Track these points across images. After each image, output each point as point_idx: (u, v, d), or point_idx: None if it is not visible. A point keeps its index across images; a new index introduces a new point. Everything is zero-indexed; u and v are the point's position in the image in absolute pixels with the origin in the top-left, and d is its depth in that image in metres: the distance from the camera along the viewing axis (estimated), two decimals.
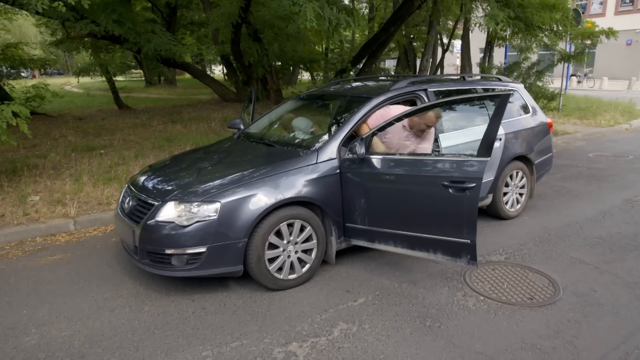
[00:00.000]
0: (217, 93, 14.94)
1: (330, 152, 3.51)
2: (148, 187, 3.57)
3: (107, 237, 4.55)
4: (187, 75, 36.17)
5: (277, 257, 3.31)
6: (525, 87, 5.42)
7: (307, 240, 3.42)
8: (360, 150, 3.39)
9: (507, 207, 4.84)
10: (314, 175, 3.39)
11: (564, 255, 3.99)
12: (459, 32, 20.50)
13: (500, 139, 4.57)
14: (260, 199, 3.16)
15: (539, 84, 12.18)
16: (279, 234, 3.28)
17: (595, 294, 3.32)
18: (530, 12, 10.79)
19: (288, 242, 3.33)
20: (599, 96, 16.65)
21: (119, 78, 27.83)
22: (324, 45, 21.03)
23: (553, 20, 11.15)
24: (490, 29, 14.84)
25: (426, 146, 3.84)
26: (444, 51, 21.30)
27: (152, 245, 3.19)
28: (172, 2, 16.25)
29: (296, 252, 3.38)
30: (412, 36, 18.27)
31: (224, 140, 4.62)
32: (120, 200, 3.77)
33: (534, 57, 13.26)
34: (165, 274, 3.24)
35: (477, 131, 4.38)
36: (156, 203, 3.24)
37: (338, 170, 3.49)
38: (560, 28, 11.84)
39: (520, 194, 4.97)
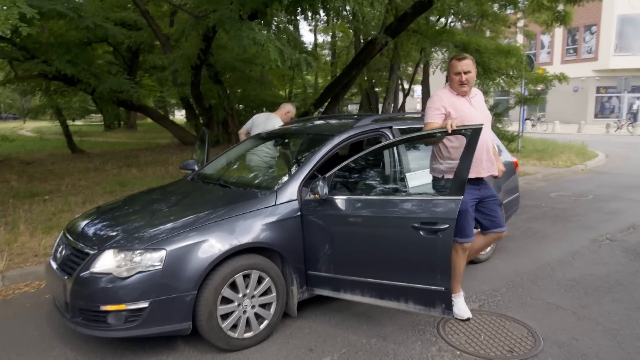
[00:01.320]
0: (176, 136, 14.56)
1: (290, 192, 3.22)
2: (87, 234, 3.16)
3: (40, 294, 4.03)
4: (150, 120, 35.71)
5: (232, 312, 2.92)
6: None
7: (265, 293, 3.06)
8: (323, 190, 3.11)
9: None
10: (273, 219, 3.08)
11: (539, 300, 3.77)
12: (419, 77, 21.19)
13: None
14: (213, 245, 2.81)
15: (499, 125, 12.47)
16: (233, 286, 2.91)
17: (577, 343, 3.08)
18: (487, 57, 11.18)
19: (244, 295, 2.96)
20: (553, 139, 17.23)
21: (78, 122, 26.99)
22: (287, 89, 21.19)
23: (509, 66, 11.57)
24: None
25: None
26: (405, 96, 21.89)
27: (86, 302, 2.76)
28: (133, 46, 16.04)
29: (253, 306, 3.01)
30: (373, 80, 18.64)
31: (177, 182, 4.27)
32: (53, 249, 3.33)
33: (490, 101, 13.69)
34: (101, 334, 2.81)
35: None
36: (92, 252, 2.84)
37: (299, 213, 3.19)
38: (515, 73, 12.30)
39: None
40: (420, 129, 4.30)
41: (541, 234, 5.78)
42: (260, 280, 3.01)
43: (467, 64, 3.27)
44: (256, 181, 3.64)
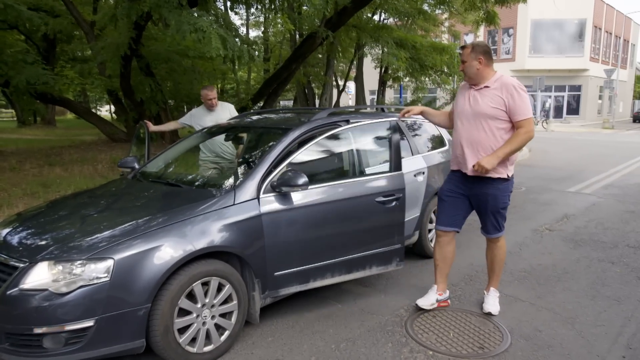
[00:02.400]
0: (104, 133, 13.58)
1: (250, 190, 2.96)
2: (11, 244, 2.72)
3: None
4: (70, 115, 33.17)
5: (190, 325, 2.63)
6: None
7: (226, 301, 2.79)
8: (302, 179, 2.94)
9: (432, 244, 4.61)
10: (232, 219, 2.81)
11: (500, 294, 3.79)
12: (353, 74, 21.42)
13: (423, 173, 4.37)
14: (167, 251, 2.50)
15: None
16: (191, 296, 2.62)
17: (541, 334, 3.10)
18: (423, 53, 11.41)
19: (203, 305, 2.67)
20: None
21: None
22: (219, 85, 20.53)
23: (443, 62, 11.89)
24: (389, 69, 15.63)
25: None
26: (339, 92, 22.00)
27: (14, 324, 2.36)
28: (51, 34, 14.74)
29: (213, 317, 2.73)
30: (310, 76, 18.54)
31: (115, 182, 3.85)
32: None
33: (428, 97, 14.09)
34: None
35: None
36: (21, 265, 2.43)
37: (259, 211, 2.95)
38: (449, 70, 12.70)
39: None
40: (375, 123, 4.24)
41: None
42: (220, 288, 2.74)
43: (464, 54, 3.19)
44: (212, 179, 3.33)
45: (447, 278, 3.60)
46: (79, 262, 2.35)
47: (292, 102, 26.32)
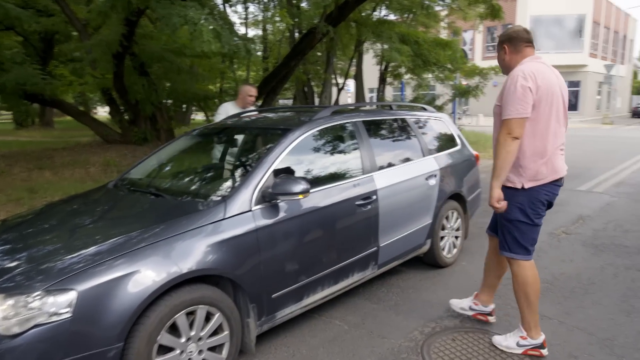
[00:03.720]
0: (98, 134, 13.15)
1: (243, 201, 2.58)
2: None
3: None
4: (70, 117, 32.73)
5: None
6: None
7: (215, 332, 2.40)
8: (304, 186, 2.58)
9: (445, 253, 4.24)
10: (223, 236, 2.43)
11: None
12: (353, 72, 21.01)
13: (435, 176, 3.99)
14: (143, 278, 2.11)
15: None
16: (174, 328, 2.24)
17: None
18: (426, 49, 11.02)
19: (188, 339, 2.28)
20: (481, 131, 17.55)
21: None
22: (218, 84, 20.11)
23: (446, 58, 11.50)
24: (389, 65, 15.23)
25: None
26: (339, 90, 21.61)
27: None
28: (48, 34, 14.32)
29: (200, 351, 2.34)
30: (310, 74, 18.13)
31: (93, 192, 3.43)
32: None
33: (429, 95, 13.70)
34: None
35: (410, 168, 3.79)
36: None
37: (254, 225, 2.57)
38: (452, 65, 12.29)
39: (456, 237, 4.41)
40: (382, 121, 3.86)
41: None
42: (208, 317, 2.35)
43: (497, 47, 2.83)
44: (199, 189, 2.94)
45: (493, 291, 3.18)
46: (36, 294, 1.95)
47: (291, 100, 25.91)
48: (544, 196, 2.64)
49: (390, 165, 3.61)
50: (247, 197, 2.59)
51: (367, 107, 4.48)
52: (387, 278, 4.01)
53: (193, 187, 2.99)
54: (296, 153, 3.00)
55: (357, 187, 3.21)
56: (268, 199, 2.65)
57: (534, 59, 2.64)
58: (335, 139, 3.35)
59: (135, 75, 11.18)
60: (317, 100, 19.38)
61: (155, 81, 11.94)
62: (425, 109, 4.71)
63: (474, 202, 4.73)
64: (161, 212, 2.61)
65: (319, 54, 16.80)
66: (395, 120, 3.99)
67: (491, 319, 3.19)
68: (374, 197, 3.29)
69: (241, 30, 22.83)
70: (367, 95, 25.37)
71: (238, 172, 3.00)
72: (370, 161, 3.40)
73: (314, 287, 2.94)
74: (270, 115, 3.87)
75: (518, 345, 2.74)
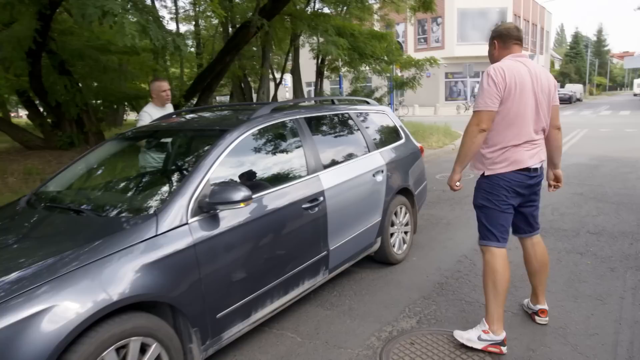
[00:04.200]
0: (16, 140, 12.04)
1: (177, 214, 2.30)
2: None
3: None
4: None
5: None
6: None
7: None
8: (244, 192, 2.35)
9: (395, 249, 4.14)
10: (155, 256, 2.14)
11: (475, 304, 3.36)
12: (290, 66, 20.75)
13: (382, 171, 3.87)
14: (57, 316, 1.76)
15: None
16: None
17: (536, 354, 2.68)
18: (362, 41, 10.98)
19: None
20: (418, 121, 17.88)
21: None
22: (149, 81, 19.16)
23: (382, 50, 11.53)
24: (325, 58, 15.10)
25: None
26: (277, 85, 21.28)
27: None
28: None
29: None
30: (246, 70, 17.67)
31: (8, 207, 2.99)
32: None
33: (367, 87, 13.73)
34: None
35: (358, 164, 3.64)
36: None
37: (192, 239, 2.30)
38: (388, 58, 12.35)
39: (406, 232, 4.33)
40: (325, 117, 3.68)
41: (444, 221, 5.55)
42: (144, 349, 2.06)
43: None
44: (126, 202, 2.59)
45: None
46: None
47: (228, 97, 25.25)
48: (505, 183, 2.71)
49: (336, 163, 3.44)
50: (181, 208, 2.31)
51: (307, 103, 4.27)
52: (339, 281, 3.86)
53: (119, 201, 2.63)
54: (235, 155, 2.75)
55: (303, 189, 3.01)
56: (206, 210, 2.38)
57: (514, 57, 2.73)
58: (276, 139, 3.12)
59: (55, 75, 10.31)
60: (254, 97, 18.97)
61: (79, 81, 11.09)
62: (367, 102, 4.58)
63: (420, 195, 4.68)
64: (81, 232, 2.27)
65: (255, 48, 16.40)
66: (338, 115, 3.82)
67: (541, 320, 3.02)
68: (321, 198, 3.11)
69: (170, 25, 21.91)
70: (305, 90, 25.25)
71: (171, 181, 2.68)
72: (315, 160, 3.21)
73: (263, 301, 2.71)
74: (206, 114, 3.57)
75: (479, 339, 2.68)
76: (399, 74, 13.96)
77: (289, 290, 2.93)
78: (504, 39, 2.78)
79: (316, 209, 3.05)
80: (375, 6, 17.18)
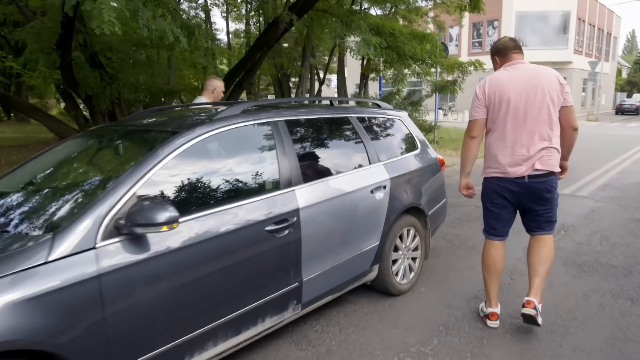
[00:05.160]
0: (52, 130, 12.23)
1: (80, 236, 1.81)
2: None
3: None
4: (55, 110, 31.47)
5: None
6: None
7: None
8: (169, 212, 1.87)
9: (398, 278, 3.52)
10: (38, 289, 1.65)
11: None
12: (335, 65, 20.28)
13: (384, 187, 3.26)
14: None
15: (416, 115, 11.74)
16: None
17: None
18: (401, 41, 10.31)
19: None
20: (464, 127, 16.85)
21: None
22: (199, 80, 19.26)
23: (424, 51, 10.80)
24: (365, 59, 14.49)
25: None
26: (320, 84, 20.88)
27: None
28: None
29: None
30: (285, 68, 17.33)
31: None
32: None
33: (406, 91, 13.00)
34: None
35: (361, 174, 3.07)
36: None
37: (96, 269, 1.80)
38: (430, 60, 11.58)
39: (414, 259, 3.69)
40: (315, 120, 3.13)
41: (470, 243, 4.84)
42: None
43: None
44: (21, 218, 2.12)
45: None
46: None
47: (273, 95, 25.15)
48: (494, 187, 2.97)
49: (321, 175, 2.87)
50: (88, 229, 1.83)
51: (294, 104, 3.71)
52: (327, 311, 3.29)
53: (25, 213, 2.16)
54: (183, 164, 2.24)
55: (269, 207, 2.47)
56: (125, 232, 1.89)
57: (508, 65, 2.89)
58: (242, 145, 2.59)
59: (86, 68, 10.30)
60: (293, 95, 18.63)
61: (112, 74, 11.06)
62: (379, 106, 3.98)
63: (437, 215, 4.02)
64: None
65: (300, 47, 16.01)
66: (333, 119, 3.24)
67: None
68: (294, 218, 2.55)
69: (220, 24, 21.94)
70: (353, 91, 24.72)
71: (87, 194, 2.17)
72: (292, 172, 2.65)
73: (200, 344, 2.18)
74: (167, 113, 3.08)
75: (480, 310, 3.21)
76: (446, 78, 13.15)
77: (242, 329, 2.39)
78: (503, 53, 2.94)
79: (285, 231, 2.50)
80: (427, 7, 16.39)
